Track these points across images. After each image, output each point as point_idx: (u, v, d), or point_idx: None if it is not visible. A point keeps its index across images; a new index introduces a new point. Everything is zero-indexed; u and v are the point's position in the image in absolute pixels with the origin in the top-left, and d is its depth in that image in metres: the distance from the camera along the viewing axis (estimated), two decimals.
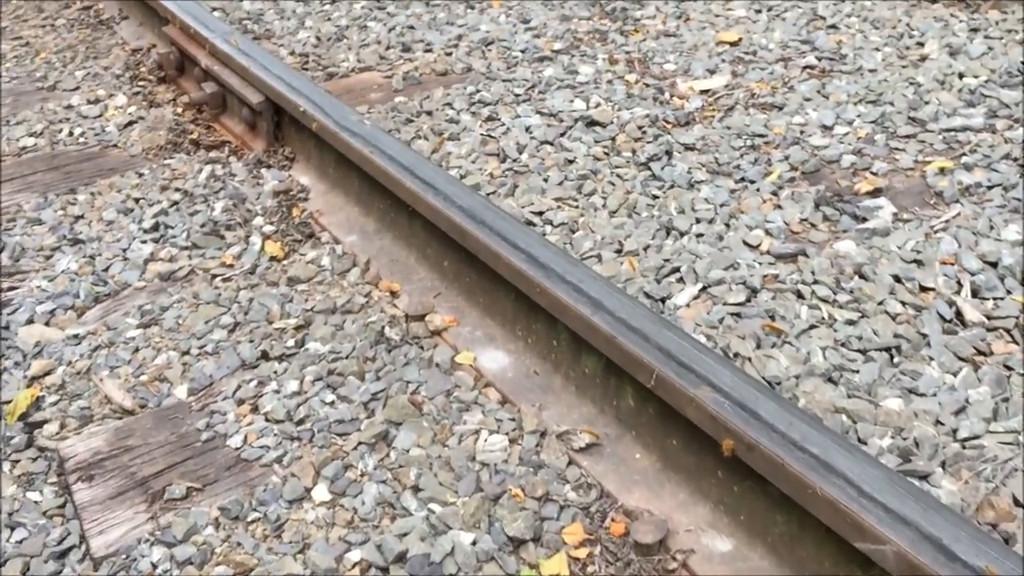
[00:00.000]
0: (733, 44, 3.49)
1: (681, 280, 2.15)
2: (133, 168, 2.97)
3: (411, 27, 3.94)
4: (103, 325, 2.25)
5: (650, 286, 2.12)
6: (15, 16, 4.57)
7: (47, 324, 2.28)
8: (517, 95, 3.23)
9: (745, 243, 2.28)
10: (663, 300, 2.08)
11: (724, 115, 2.96)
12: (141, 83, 3.56)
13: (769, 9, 3.79)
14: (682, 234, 2.33)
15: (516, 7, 4.09)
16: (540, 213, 2.47)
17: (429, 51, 3.69)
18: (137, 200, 2.75)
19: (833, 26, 3.55)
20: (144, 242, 2.54)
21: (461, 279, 2.11)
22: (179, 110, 3.30)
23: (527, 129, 2.95)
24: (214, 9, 4.32)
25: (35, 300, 2.35)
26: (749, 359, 1.85)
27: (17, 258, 2.54)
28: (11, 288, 2.44)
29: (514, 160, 2.79)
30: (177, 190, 2.78)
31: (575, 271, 1.73)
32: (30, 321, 2.29)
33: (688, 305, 2.07)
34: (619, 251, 2.29)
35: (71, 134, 3.24)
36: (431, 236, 2.19)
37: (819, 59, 3.29)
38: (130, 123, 3.25)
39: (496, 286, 1.97)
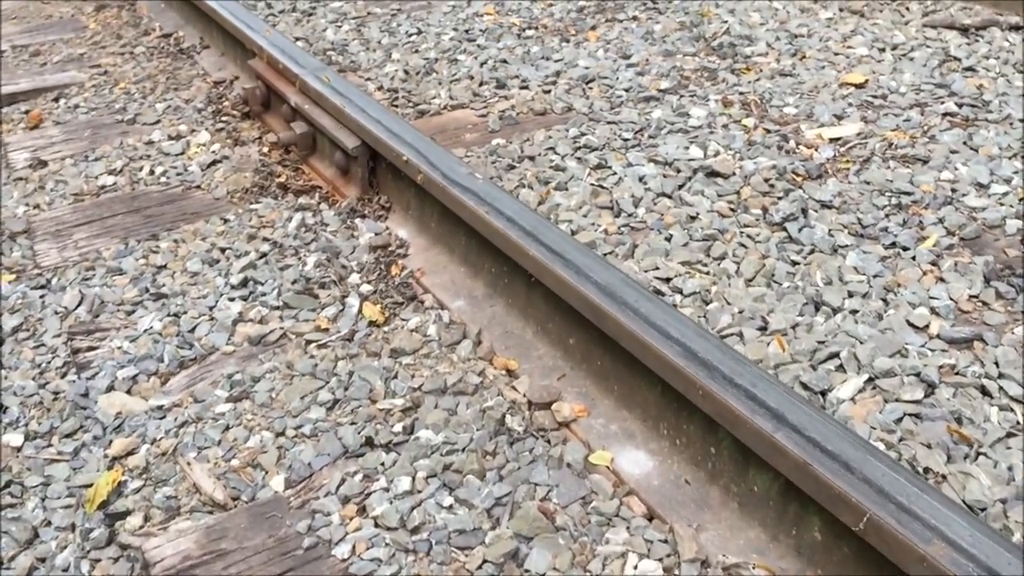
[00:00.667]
0: (859, 86, 3.21)
1: (841, 368, 1.88)
2: (218, 213, 2.79)
3: (504, 61, 3.73)
4: (190, 396, 2.05)
5: (807, 375, 1.85)
6: (93, 43, 4.46)
7: (129, 392, 2.09)
8: (626, 140, 2.98)
9: (909, 324, 2.00)
10: (823, 393, 1.81)
11: (860, 168, 2.69)
12: (224, 119, 3.39)
13: (894, 48, 3.50)
14: (835, 311, 2.06)
15: (615, 41, 3.86)
16: (667, 280, 2.22)
17: (525, 88, 3.48)
18: (223, 250, 2.56)
19: (970, 68, 3.25)
20: (232, 299, 2.34)
21: (591, 361, 1.87)
22: (265, 149, 3.12)
23: (641, 179, 2.71)
24: (297, 39, 4.16)
25: (116, 364, 2.16)
26: (944, 477, 1.57)
27: (96, 313, 2.36)
28: (90, 348, 2.25)
29: (630, 215, 2.54)
30: (266, 240, 2.58)
31: (745, 372, 1.47)
32: (111, 388, 2.10)
33: (854, 400, 1.79)
34: (763, 328, 2.03)
35: (152, 172, 3.08)
36: (554, 309, 1.95)
37: (959, 105, 2.99)
38: (214, 162, 3.08)
39: (636, 374, 1.73)
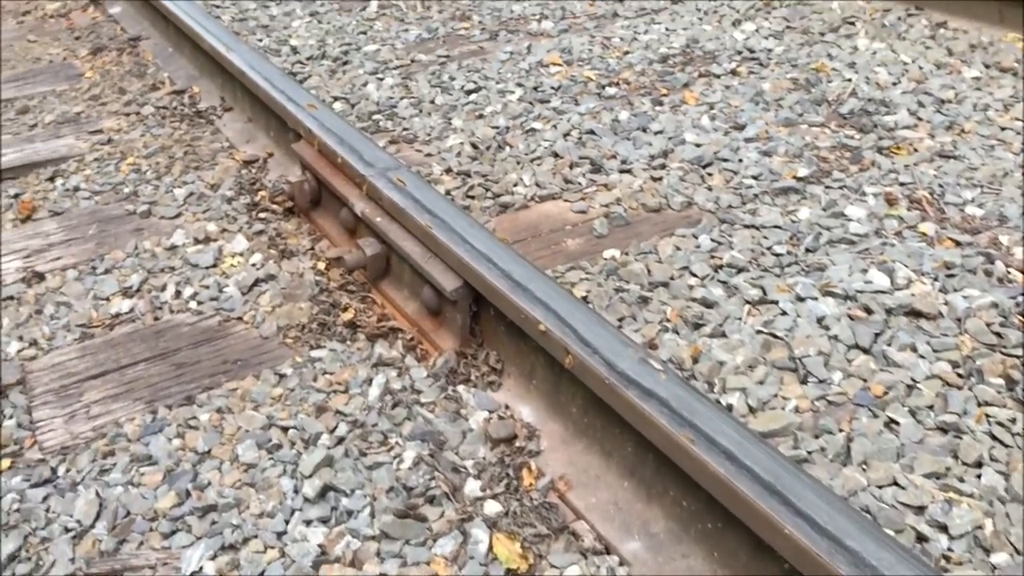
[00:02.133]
0: None
1: None
2: (269, 363, 2.17)
3: (591, 132, 3.11)
4: None
5: None
6: (91, 97, 3.82)
7: None
8: (778, 256, 2.37)
9: None
10: None
11: None
12: (263, 215, 2.76)
13: None
14: None
15: (720, 105, 3.24)
16: (920, 508, 1.61)
17: (627, 172, 2.86)
18: (285, 430, 1.94)
19: None
20: (309, 522, 1.72)
21: None
22: (321, 266, 2.48)
23: (821, 322, 2.10)
24: (336, 98, 3.53)
25: None
26: None
27: (122, 535, 1.74)
28: None
29: (822, 381, 1.94)
30: (340, 415, 1.96)
31: None
32: None
33: None
34: None
35: (178, 294, 2.45)
36: None
37: None
38: (257, 282, 2.45)
39: None
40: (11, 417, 2.08)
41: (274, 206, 2.76)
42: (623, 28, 4.09)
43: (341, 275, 2.41)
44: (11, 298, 2.50)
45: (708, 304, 2.18)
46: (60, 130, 3.52)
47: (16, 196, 3.06)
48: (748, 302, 2.18)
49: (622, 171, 2.86)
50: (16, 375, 2.21)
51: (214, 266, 2.54)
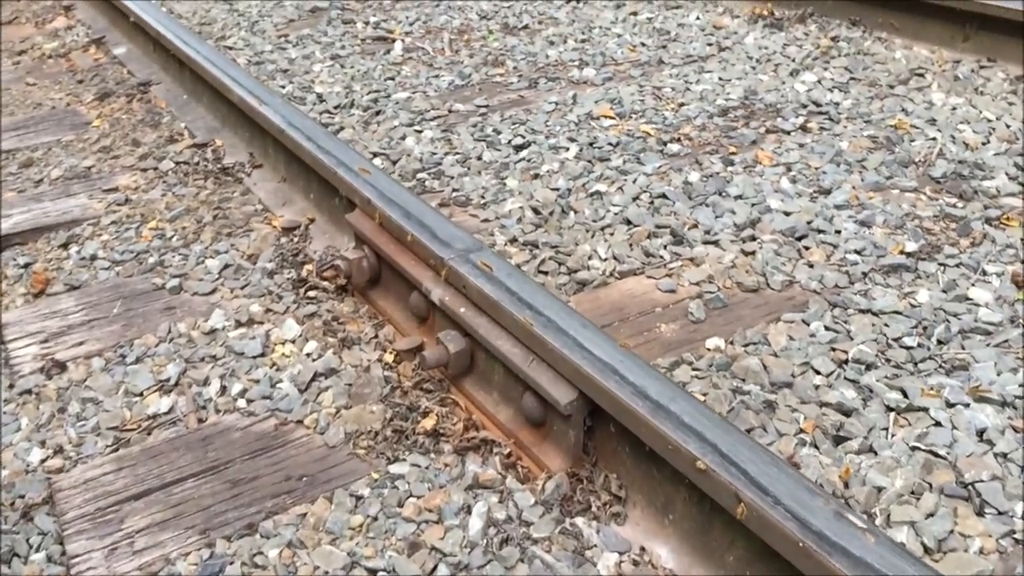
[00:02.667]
0: None
1: None
2: (341, 480, 1.87)
3: (663, 196, 2.84)
4: None
5: None
6: (101, 149, 3.52)
7: None
8: (908, 348, 2.11)
9: None
10: None
11: None
12: (312, 294, 2.46)
13: None
14: None
15: (797, 165, 2.99)
16: None
17: (713, 244, 2.59)
18: (374, 573, 1.63)
19: None
20: None
21: None
22: (387, 356, 2.19)
23: (981, 436, 1.83)
24: (375, 154, 3.25)
25: None
26: None
27: None
28: None
29: (1003, 513, 1.66)
30: (437, 552, 1.66)
31: None
32: None
33: None
34: None
35: (224, 390, 2.14)
36: None
37: None
38: (316, 377, 2.14)
39: None
40: (39, 548, 1.77)
41: (324, 283, 2.46)
42: (672, 77, 3.85)
43: (414, 371, 2.11)
44: (29, 392, 2.19)
45: (845, 411, 1.91)
46: (70, 187, 3.21)
47: (26, 266, 2.75)
48: (891, 409, 1.91)
49: (707, 242, 2.59)
50: (41, 492, 1.90)
51: (263, 355, 2.24)
